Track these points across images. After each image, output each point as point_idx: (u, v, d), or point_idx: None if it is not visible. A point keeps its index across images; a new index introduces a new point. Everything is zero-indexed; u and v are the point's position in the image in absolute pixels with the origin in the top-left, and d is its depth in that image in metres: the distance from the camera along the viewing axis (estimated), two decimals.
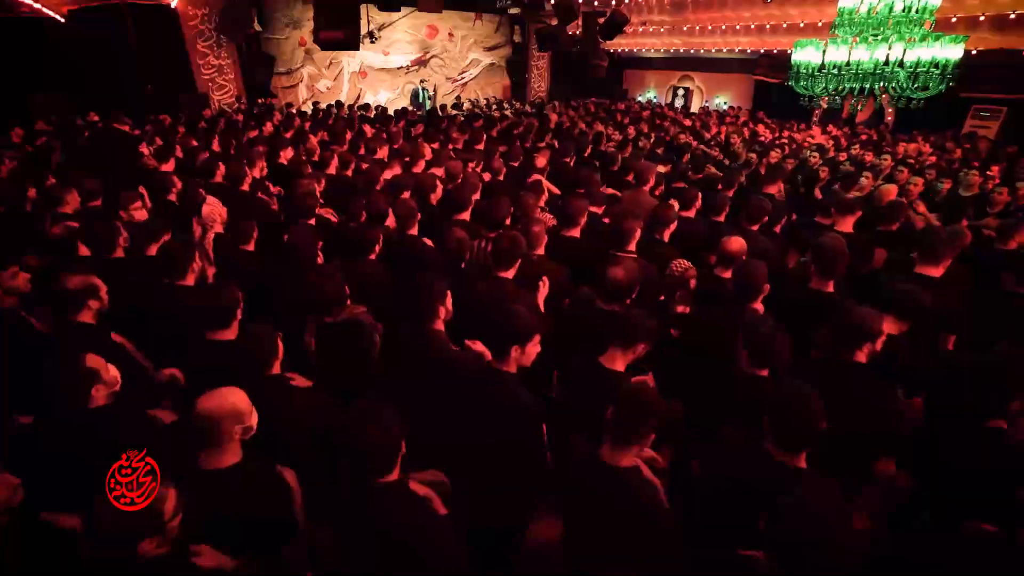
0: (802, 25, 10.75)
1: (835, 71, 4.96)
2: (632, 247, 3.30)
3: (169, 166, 5.30)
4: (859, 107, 5.51)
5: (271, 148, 6.29)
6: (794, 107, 13.48)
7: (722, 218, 4.60)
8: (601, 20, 11.20)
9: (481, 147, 7.09)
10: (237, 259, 3.41)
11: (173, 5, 10.82)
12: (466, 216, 3.99)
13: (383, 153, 6.44)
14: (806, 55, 5.29)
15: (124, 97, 9.74)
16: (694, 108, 15.95)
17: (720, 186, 5.32)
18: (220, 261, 3.38)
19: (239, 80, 12.51)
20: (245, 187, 4.72)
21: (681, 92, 17.19)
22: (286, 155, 6.22)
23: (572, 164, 6.68)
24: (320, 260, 2.99)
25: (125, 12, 9.76)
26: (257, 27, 12.06)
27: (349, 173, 5.21)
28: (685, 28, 13.02)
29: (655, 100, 17.30)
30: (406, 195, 4.17)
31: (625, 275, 2.66)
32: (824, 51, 5.07)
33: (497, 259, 2.81)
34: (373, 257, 3.18)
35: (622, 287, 2.69)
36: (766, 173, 5.12)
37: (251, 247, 3.54)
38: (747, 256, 3.34)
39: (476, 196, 4.39)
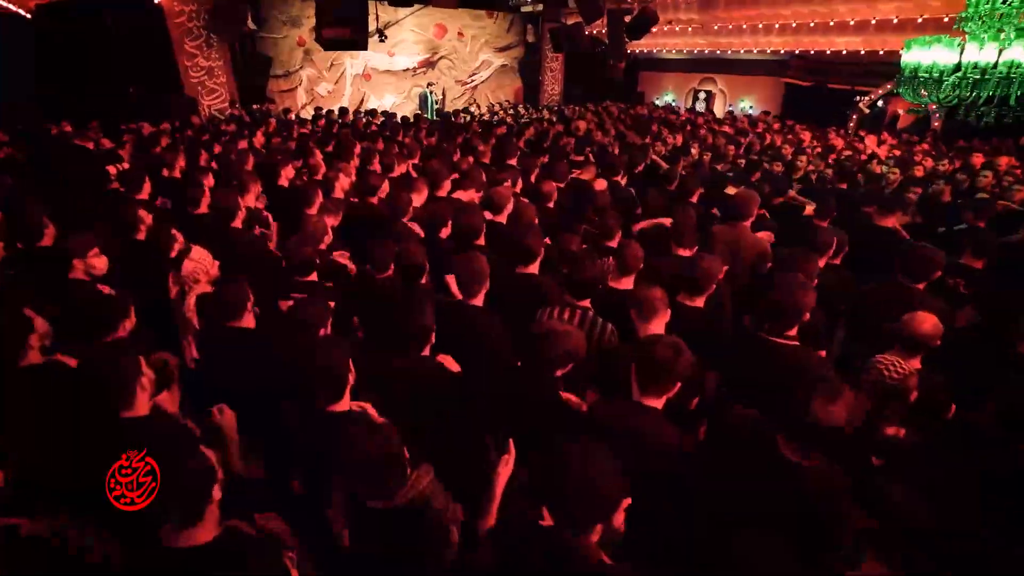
0: (852, 23, 9.82)
1: (976, 75, 3.97)
2: (795, 332, 2.28)
3: (143, 193, 4.25)
4: (986, 117, 4.52)
5: (269, 167, 5.25)
6: (826, 112, 12.74)
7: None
8: (627, 18, 10.29)
9: (514, 162, 6.07)
10: (223, 344, 2.37)
11: (156, 1, 9.76)
12: (533, 270, 2.97)
13: (401, 169, 5.42)
14: (929, 56, 4.30)
15: (104, 101, 8.70)
16: (717, 113, 14.99)
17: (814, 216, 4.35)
18: (200, 351, 2.34)
19: (232, 83, 11.47)
20: (237, 223, 3.68)
21: (703, 95, 16.22)
22: (287, 175, 5.19)
23: (625, 184, 5.69)
24: (352, 377, 1.77)
25: (102, 8, 8.68)
26: (252, 25, 10.99)
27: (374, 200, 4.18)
28: (716, 27, 12.05)
29: (674, 104, 16.32)
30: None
31: (848, 417, 1.62)
32: (961, 51, 4.09)
33: (646, 380, 1.75)
34: (427, 353, 2.08)
35: (836, 431, 1.65)
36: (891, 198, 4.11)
37: (244, 322, 2.51)
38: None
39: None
